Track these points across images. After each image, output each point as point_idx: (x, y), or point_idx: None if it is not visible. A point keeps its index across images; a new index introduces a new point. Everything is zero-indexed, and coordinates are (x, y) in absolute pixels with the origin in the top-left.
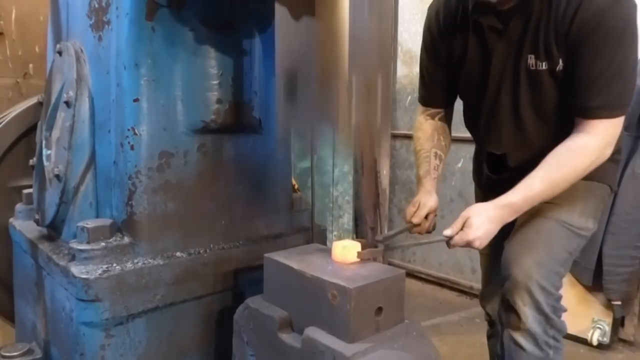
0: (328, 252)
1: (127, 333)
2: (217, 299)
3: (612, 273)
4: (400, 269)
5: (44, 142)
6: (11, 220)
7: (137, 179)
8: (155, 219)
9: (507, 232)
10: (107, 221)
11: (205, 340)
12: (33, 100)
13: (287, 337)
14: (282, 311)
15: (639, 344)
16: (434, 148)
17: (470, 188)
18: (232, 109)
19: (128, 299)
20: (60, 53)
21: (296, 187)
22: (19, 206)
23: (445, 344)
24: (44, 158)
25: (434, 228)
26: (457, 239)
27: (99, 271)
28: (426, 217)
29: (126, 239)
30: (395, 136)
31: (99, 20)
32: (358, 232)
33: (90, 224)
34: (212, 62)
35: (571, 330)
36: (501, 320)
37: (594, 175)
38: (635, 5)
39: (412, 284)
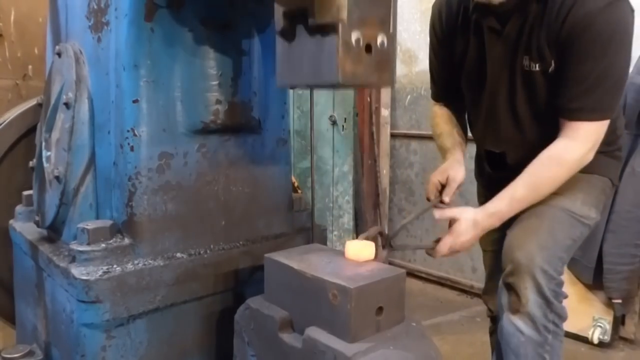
0: (328, 252)
1: (127, 334)
2: (217, 299)
3: (613, 271)
4: (401, 268)
5: (43, 144)
6: (11, 222)
7: (137, 180)
8: (155, 219)
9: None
10: (107, 222)
11: (206, 341)
12: (32, 102)
13: (287, 337)
14: (283, 311)
15: (639, 342)
16: (455, 128)
17: (471, 188)
18: (231, 109)
19: (129, 300)
20: (59, 54)
21: (296, 184)
22: (18, 208)
23: (446, 343)
24: (44, 159)
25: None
26: (441, 245)
27: (100, 272)
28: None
29: (126, 240)
30: (395, 136)
31: (98, 21)
32: (358, 232)
33: (91, 225)
34: (211, 62)
35: (572, 328)
36: (501, 306)
37: (595, 169)
38: (632, 10)
39: (412, 284)
